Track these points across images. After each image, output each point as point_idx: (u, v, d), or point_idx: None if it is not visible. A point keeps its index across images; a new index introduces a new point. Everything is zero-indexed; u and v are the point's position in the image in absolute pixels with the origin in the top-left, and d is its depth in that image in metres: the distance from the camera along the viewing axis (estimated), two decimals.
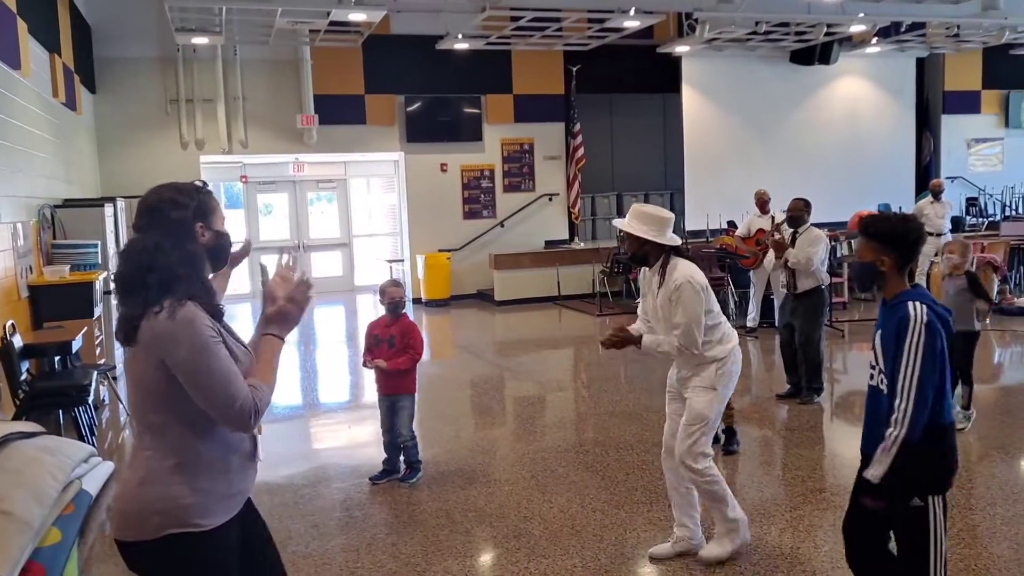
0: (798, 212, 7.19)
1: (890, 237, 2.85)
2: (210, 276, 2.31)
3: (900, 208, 14.61)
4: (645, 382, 8.34)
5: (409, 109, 13.39)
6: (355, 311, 13.89)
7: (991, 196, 15.50)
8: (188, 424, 2.17)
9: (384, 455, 5.38)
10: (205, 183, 2.35)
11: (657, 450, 5.88)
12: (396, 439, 5.28)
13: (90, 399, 5.87)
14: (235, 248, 2.47)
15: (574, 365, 9.62)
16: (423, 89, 13.38)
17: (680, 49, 13.32)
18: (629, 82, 14.39)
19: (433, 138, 13.53)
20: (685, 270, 3.87)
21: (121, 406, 7.32)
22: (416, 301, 13.64)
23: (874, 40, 13.79)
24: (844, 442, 6.18)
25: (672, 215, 3.98)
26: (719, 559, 4.02)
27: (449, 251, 13.56)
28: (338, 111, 13.04)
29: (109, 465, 2.13)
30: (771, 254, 7.54)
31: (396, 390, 5.26)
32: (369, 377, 9.11)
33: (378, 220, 16.45)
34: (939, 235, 11.29)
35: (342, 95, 13.11)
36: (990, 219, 15.11)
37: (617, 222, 4.12)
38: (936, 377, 2.74)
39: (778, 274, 9.82)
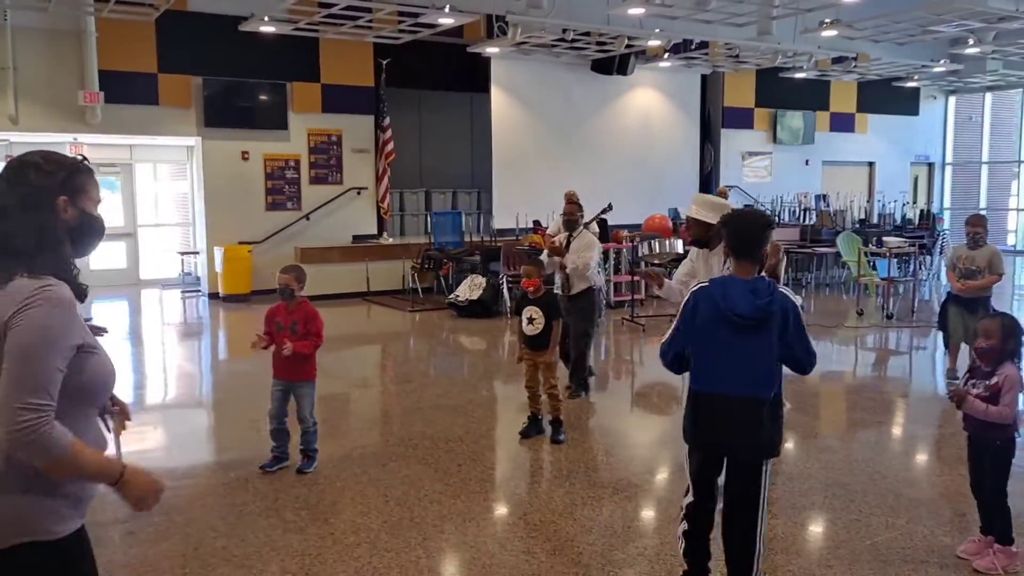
0: (572, 216, 7.13)
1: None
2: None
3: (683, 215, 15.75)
4: (463, 375, 8.43)
5: (208, 92, 12.60)
6: (140, 307, 12.88)
7: (763, 205, 17.10)
8: None
9: (272, 442, 5.25)
10: (86, 159, 2.09)
11: (485, 442, 5.99)
12: (284, 425, 5.20)
13: None
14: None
15: (388, 360, 9.51)
16: (224, 72, 12.64)
17: (490, 50, 13.57)
18: (439, 79, 14.43)
19: (234, 124, 12.81)
20: None
21: None
22: (213, 296, 12.88)
23: (666, 55, 14.77)
24: (644, 431, 6.59)
25: (730, 204, 4.53)
26: None
27: (250, 243, 12.91)
28: (127, 89, 12.02)
29: None
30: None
31: (296, 376, 5.15)
32: (159, 377, 8.59)
33: (166, 209, 15.38)
34: None
35: (132, 72, 12.10)
36: None
37: (683, 210, 4.51)
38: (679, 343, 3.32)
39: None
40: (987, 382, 3.74)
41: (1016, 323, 3.86)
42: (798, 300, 3.28)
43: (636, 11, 11.31)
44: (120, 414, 2.31)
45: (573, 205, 7.19)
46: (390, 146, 13.67)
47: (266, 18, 11.68)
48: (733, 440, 3.27)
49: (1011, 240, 20.27)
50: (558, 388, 5.79)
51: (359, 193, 13.84)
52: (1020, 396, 3.78)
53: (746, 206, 17.02)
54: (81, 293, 1.99)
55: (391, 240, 13.90)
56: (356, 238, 13.71)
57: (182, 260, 14.50)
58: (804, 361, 3.25)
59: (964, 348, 7.41)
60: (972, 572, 3.87)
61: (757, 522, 3.24)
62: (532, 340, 5.71)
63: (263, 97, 13.06)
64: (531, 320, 5.69)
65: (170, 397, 7.79)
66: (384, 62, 13.47)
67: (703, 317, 3.21)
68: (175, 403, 7.53)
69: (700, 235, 4.57)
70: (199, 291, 13.53)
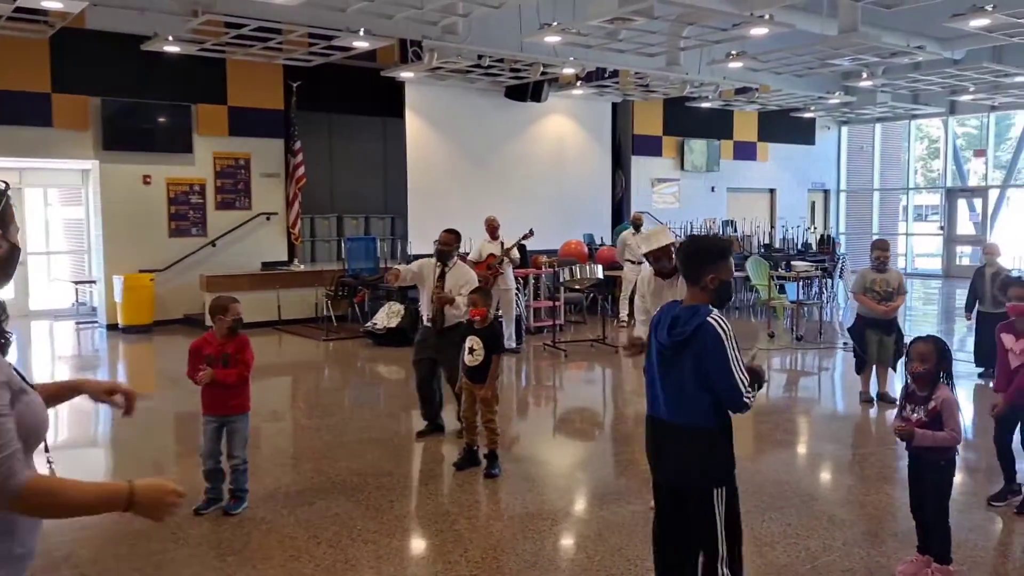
0: (448, 247, 6.52)
1: None
2: None
3: (601, 238, 15.93)
4: (385, 406, 8.18)
5: (106, 113, 12.00)
6: (29, 340, 12.07)
7: (676, 232, 17.47)
8: None
9: (206, 484, 4.91)
10: (7, 184, 1.86)
11: (416, 476, 5.78)
12: (220, 464, 4.85)
13: None
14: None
15: (306, 393, 9.15)
16: (124, 92, 12.08)
17: (404, 75, 13.43)
18: (351, 103, 14.19)
19: (135, 147, 12.24)
20: None
21: None
22: (112, 327, 12.20)
23: (579, 83, 14.97)
24: (571, 458, 6.52)
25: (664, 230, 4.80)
26: None
27: (152, 272, 12.32)
28: (17, 110, 11.35)
29: None
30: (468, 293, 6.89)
31: (229, 410, 4.83)
32: (51, 416, 7.97)
33: (57, 236, 14.53)
34: (639, 263, 12.41)
35: (22, 92, 11.43)
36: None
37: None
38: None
39: (510, 296, 10.29)
40: (926, 407, 3.82)
41: (946, 345, 3.97)
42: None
43: (551, 39, 11.40)
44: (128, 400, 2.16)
45: (449, 235, 6.59)
46: (301, 170, 13.32)
47: (170, 38, 11.24)
48: (665, 465, 3.26)
49: (901, 263, 21.33)
50: (496, 422, 5.64)
51: (268, 219, 13.42)
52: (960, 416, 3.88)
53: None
54: (4, 341, 1.77)
55: (302, 267, 13.51)
56: (266, 265, 13.25)
57: (76, 290, 13.71)
58: (722, 395, 3.06)
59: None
60: None
61: (716, 554, 3.16)
62: (471, 371, 5.56)
63: (166, 119, 12.52)
64: (471, 351, 5.54)
65: (64, 438, 7.21)
66: (295, 85, 13.16)
67: (652, 342, 3.24)
68: (70, 444, 6.97)
69: (669, 263, 4.91)
70: (95, 322, 12.79)
